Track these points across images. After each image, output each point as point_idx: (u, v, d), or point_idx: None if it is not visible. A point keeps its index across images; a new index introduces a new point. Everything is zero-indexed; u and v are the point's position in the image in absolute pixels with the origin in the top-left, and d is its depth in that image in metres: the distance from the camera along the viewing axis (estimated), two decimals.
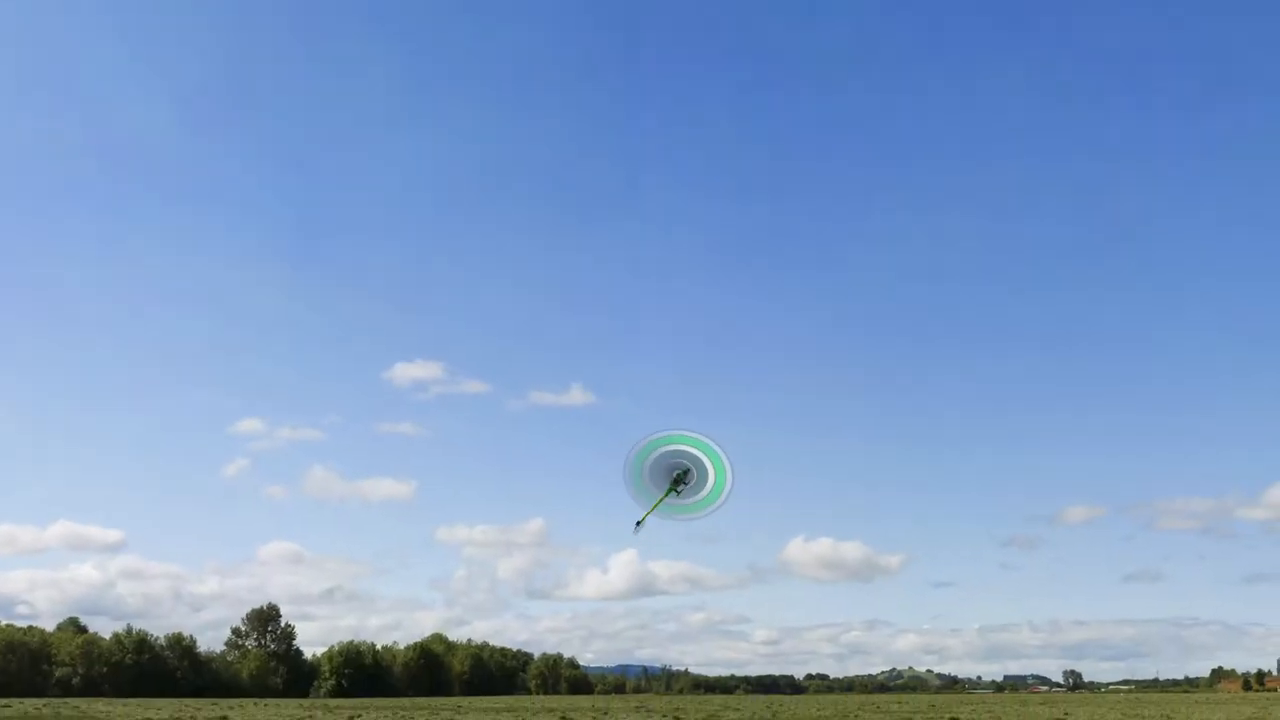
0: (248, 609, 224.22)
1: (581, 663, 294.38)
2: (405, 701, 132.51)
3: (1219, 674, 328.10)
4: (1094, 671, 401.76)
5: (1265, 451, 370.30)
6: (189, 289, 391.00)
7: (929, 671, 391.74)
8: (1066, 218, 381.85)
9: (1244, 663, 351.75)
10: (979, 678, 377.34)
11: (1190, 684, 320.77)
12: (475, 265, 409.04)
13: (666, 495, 14.78)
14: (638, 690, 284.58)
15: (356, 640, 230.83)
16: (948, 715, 66.33)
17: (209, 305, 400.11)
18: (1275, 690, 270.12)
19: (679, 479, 14.37)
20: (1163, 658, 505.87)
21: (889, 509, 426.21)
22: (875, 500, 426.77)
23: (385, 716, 66.35)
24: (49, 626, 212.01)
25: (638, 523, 15.17)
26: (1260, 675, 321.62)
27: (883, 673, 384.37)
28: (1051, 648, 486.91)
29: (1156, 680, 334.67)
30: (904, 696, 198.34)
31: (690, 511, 14.25)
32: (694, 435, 14.27)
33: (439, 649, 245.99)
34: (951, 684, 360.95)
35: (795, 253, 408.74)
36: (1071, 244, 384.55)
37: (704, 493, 13.83)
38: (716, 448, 14.23)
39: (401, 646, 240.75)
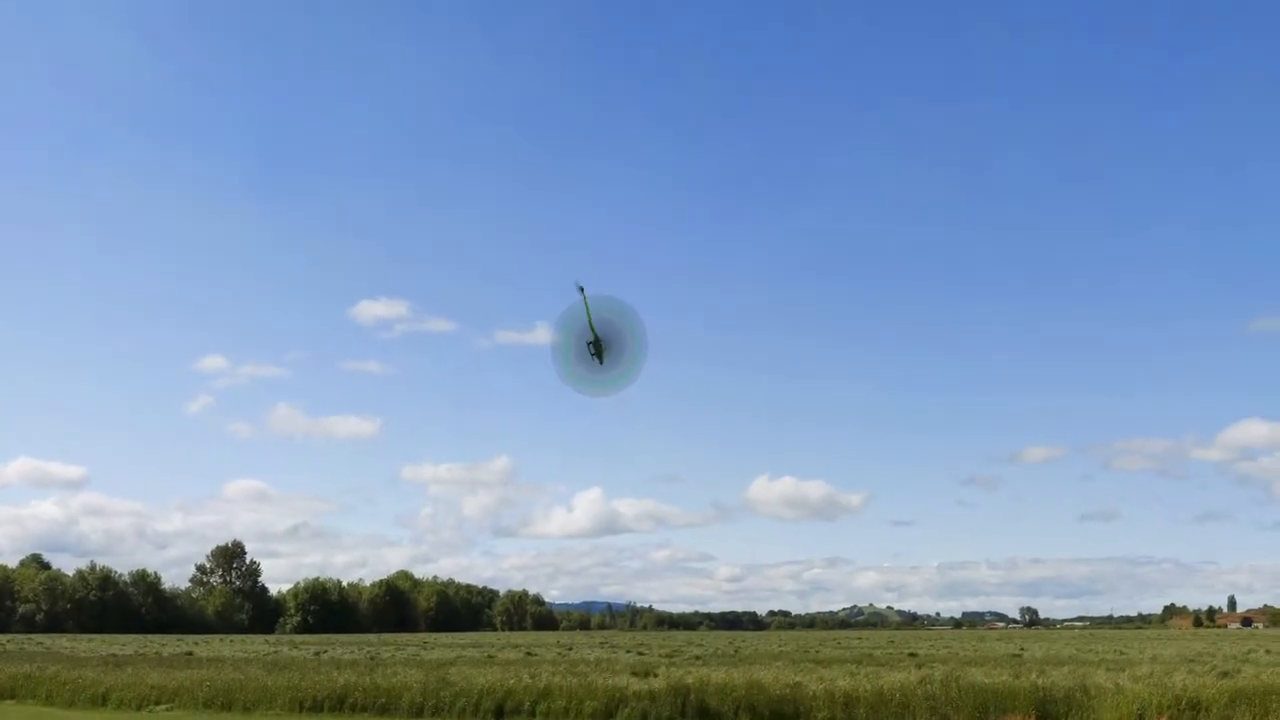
0: (212, 546, 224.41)
1: (547, 600, 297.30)
2: (371, 637, 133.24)
3: (1171, 611, 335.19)
4: (1050, 608, 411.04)
5: (1221, 394, 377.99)
6: (152, 223, 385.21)
7: (889, 608, 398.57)
8: (1034, 161, 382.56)
9: (1196, 600, 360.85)
10: (938, 614, 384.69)
11: (1144, 620, 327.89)
12: (443, 203, 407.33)
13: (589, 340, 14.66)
14: (602, 626, 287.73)
15: (322, 577, 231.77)
16: (907, 650, 67.43)
17: (172, 240, 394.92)
18: (1225, 627, 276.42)
19: (595, 352, 14.30)
20: (1117, 595, 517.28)
21: (852, 448, 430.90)
22: (838, 440, 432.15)
23: (352, 652, 66.74)
24: (11, 563, 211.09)
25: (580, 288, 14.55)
26: (1211, 612, 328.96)
27: (844, 609, 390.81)
28: (1009, 585, 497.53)
29: (1110, 617, 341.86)
30: (864, 632, 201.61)
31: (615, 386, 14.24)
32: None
33: (405, 586, 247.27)
34: (911, 620, 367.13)
35: (764, 191, 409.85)
36: (1037, 187, 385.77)
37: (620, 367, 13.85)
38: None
39: (368, 583, 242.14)
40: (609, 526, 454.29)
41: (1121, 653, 60.93)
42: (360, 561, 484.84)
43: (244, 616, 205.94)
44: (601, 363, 14.17)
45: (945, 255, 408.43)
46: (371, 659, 51.89)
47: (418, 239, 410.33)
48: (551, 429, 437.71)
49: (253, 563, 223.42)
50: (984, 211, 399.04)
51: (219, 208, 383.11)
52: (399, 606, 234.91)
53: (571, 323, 14.33)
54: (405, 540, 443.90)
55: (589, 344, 14.25)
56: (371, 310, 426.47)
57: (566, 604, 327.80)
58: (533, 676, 33.98)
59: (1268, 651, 62.82)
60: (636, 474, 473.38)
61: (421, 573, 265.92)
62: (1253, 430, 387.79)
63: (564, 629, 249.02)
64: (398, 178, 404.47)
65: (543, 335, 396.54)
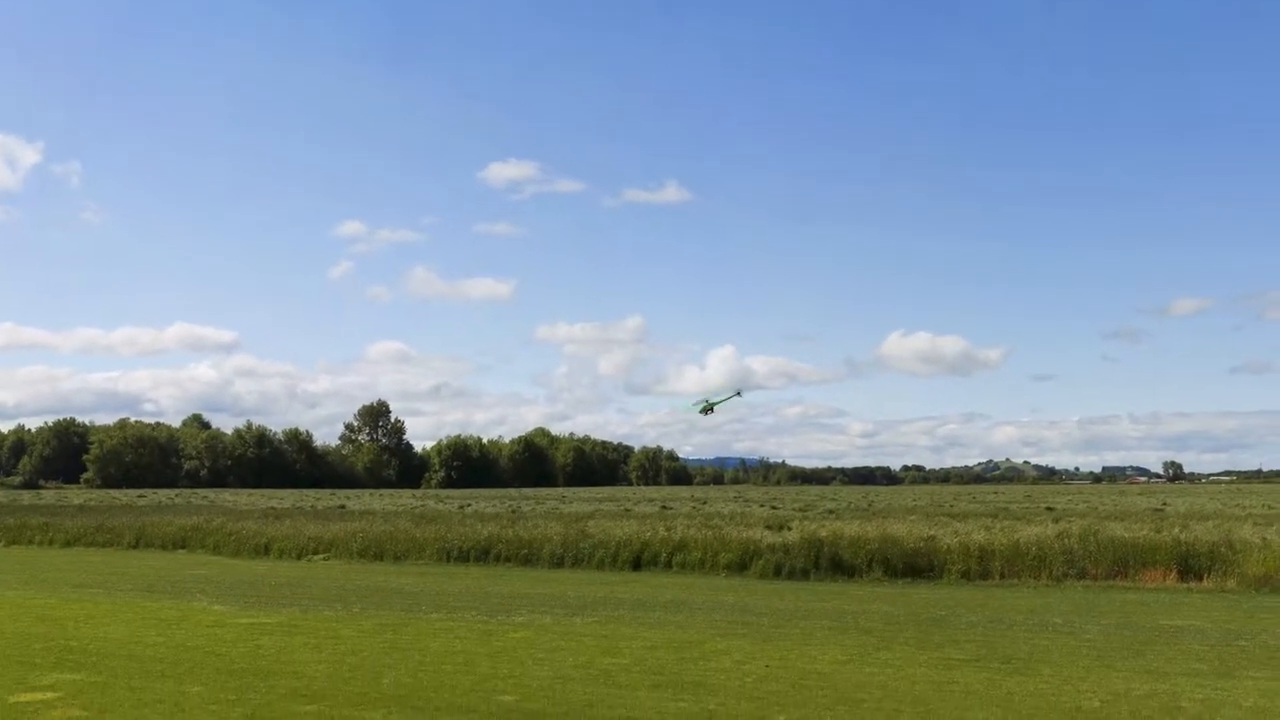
0: (359, 406, 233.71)
1: (681, 455, 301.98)
2: (512, 492, 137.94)
3: None
4: (1195, 463, 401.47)
5: None
6: (287, 92, 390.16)
7: (1026, 463, 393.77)
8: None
9: None
10: (1077, 469, 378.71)
11: None
12: (569, 63, 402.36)
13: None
14: (736, 481, 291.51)
15: (464, 435, 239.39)
16: (1044, 505, 66.84)
17: (307, 109, 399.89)
18: None
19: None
20: (1266, 449, 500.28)
21: (990, 303, 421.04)
22: (976, 294, 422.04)
23: (494, 505, 69.30)
24: (174, 423, 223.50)
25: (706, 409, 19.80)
26: None
27: (979, 464, 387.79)
28: (1152, 439, 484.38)
29: (1259, 471, 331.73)
30: (1000, 487, 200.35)
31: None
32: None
33: (542, 442, 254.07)
34: (1049, 475, 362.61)
35: (897, 44, 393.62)
36: (1185, 27, 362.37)
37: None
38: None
39: (507, 440, 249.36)
40: (742, 383, 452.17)
41: (1270, 507, 59.36)
42: (499, 419, 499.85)
43: (391, 472, 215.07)
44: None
45: (1088, 102, 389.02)
46: (513, 512, 53.78)
47: (544, 100, 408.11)
48: (683, 287, 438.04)
49: (397, 421, 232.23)
50: (1130, 54, 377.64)
51: (350, 75, 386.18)
52: (537, 462, 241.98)
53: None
54: (541, 399, 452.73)
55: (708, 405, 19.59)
56: (501, 172, 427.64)
57: (700, 459, 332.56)
58: (668, 529, 34.80)
59: None
60: (769, 331, 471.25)
61: (558, 430, 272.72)
62: None
63: (698, 484, 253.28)
64: (522, 39, 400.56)
65: (672, 193, 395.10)
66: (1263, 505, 63.61)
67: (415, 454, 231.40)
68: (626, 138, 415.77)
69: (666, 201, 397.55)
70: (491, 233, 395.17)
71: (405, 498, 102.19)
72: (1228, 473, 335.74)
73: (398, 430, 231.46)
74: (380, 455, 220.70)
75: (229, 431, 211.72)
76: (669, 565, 30.97)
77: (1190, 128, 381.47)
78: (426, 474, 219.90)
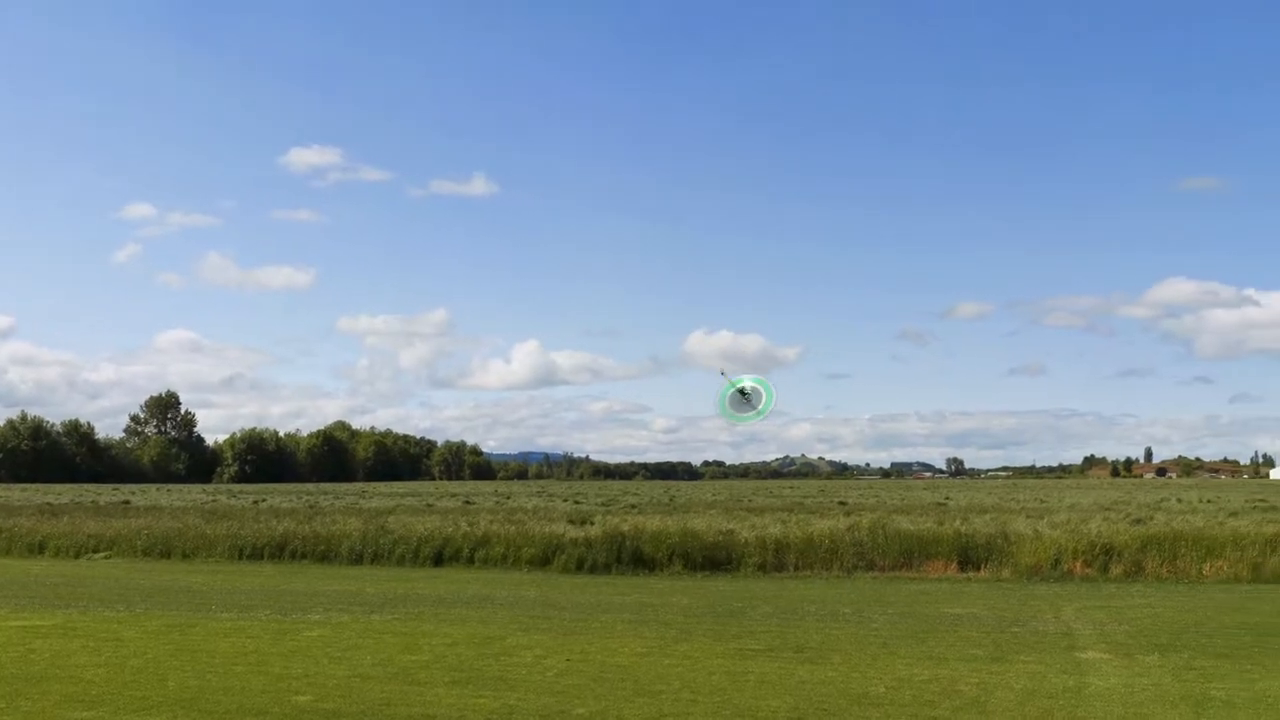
0: (146, 397, 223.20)
1: (484, 450, 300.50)
2: (310, 487, 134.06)
3: (1091, 461, 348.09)
4: (975, 459, 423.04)
5: (1149, 253, 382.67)
6: (72, 64, 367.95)
7: (821, 459, 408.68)
8: (976, 15, 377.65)
9: (1114, 451, 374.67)
10: (868, 464, 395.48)
11: (1064, 470, 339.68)
12: (377, 48, 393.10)
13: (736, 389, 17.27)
14: (539, 476, 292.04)
15: (259, 428, 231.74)
16: (836, 499, 69.37)
17: (92, 82, 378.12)
18: (1141, 476, 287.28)
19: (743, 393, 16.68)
20: (1040, 446, 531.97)
21: (788, 303, 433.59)
22: (775, 294, 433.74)
23: (290, 500, 67.24)
24: None
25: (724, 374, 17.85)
26: (1128, 462, 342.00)
27: (777, 459, 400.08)
28: (937, 436, 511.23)
29: (1033, 467, 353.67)
30: (796, 482, 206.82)
31: (747, 418, 16.26)
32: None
33: (342, 436, 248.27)
34: (842, 470, 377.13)
35: (706, 42, 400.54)
36: (978, 42, 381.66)
37: (760, 405, 16.07)
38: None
39: (305, 434, 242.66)
40: (546, 378, 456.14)
41: (1042, 501, 63.20)
42: (297, 412, 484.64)
43: (180, 466, 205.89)
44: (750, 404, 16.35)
45: (884, 110, 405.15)
46: (310, 508, 52.34)
47: (350, 86, 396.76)
48: (489, 281, 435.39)
49: (188, 413, 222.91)
50: (925, 67, 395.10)
51: (142, 49, 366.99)
52: (337, 457, 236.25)
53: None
54: (342, 391, 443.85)
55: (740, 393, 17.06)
56: (304, 158, 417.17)
57: (504, 454, 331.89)
58: (471, 525, 34.54)
59: (1179, 500, 65.54)
60: (574, 327, 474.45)
61: (359, 423, 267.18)
62: (1178, 288, 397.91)
63: (501, 479, 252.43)
64: (330, 18, 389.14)
65: (480, 185, 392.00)
66: (1035, 499, 67.68)
67: (207, 448, 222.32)
68: (435, 128, 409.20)
69: (474, 194, 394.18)
70: (292, 220, 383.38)
71: (195, 493, 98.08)
72: (1004, 468, 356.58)
73: (188, 423, 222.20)
74: (169, 449, 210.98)
75: (1, 422, 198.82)
76: (471, 561, 30.75)
77: (977, 139, 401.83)
78: (219, 468, 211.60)
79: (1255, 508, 49.27)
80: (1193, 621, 18.41)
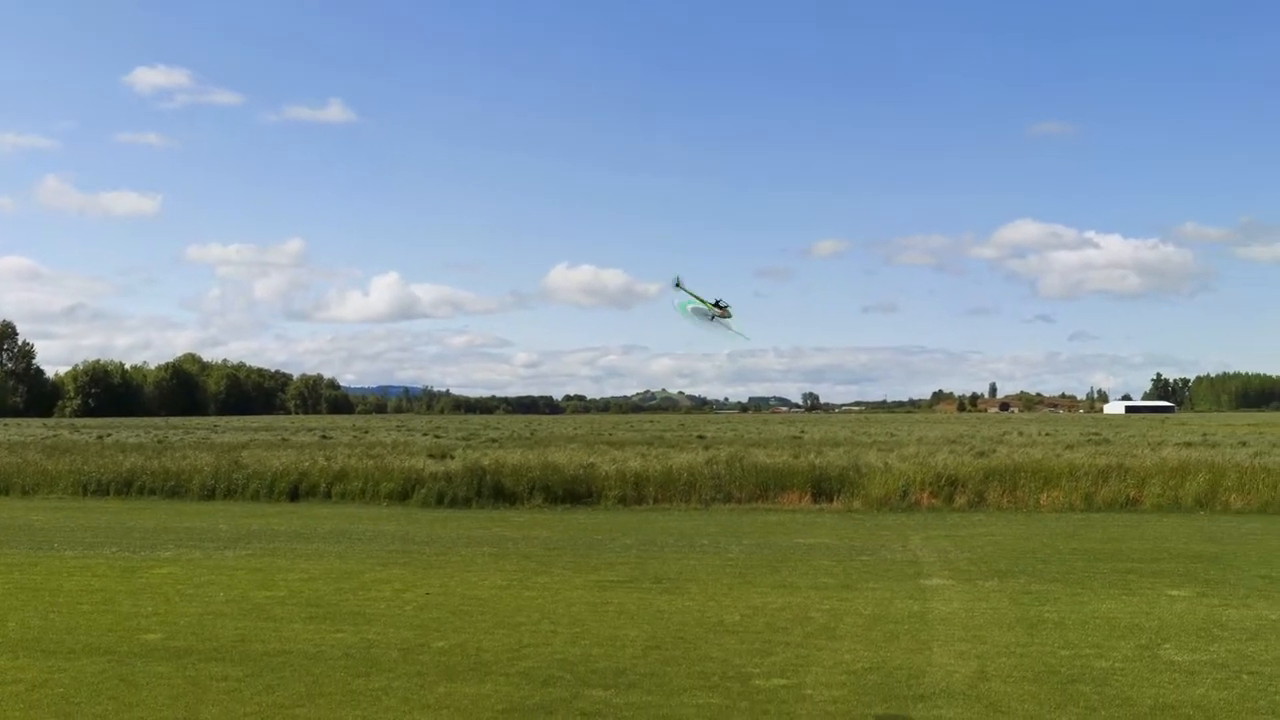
0: None
1: (342, 384, 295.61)
2: (159, 421, 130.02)
3: (939, 396, 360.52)
4: (830, 394, 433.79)
5: (999, 195, 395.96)
6: None
7: (680, 393, 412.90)
8: None
9: (961, 386, 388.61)
10: (726, 399, 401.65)
11: (914, 405, 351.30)
12: None
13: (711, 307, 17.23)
14: (399, 410, 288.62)
15: (103, 360, 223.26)
16: (696, 433, 70.41)
17: None
18: (985, 411, 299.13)
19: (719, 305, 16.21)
20: (891, 382, 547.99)
21: (650, 238, 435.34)
22: (637, 230, 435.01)
23: (138, 435, 65.11)
24: None
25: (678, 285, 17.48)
26: (974, 398, 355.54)
27: (637, 394, 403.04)
28: (794, 372, 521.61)
29: (884, 402, 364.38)
30: (656, 416, 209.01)
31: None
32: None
33: (193, 369, 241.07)
34: (701, 405, 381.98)
35: None
36: None
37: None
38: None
39: (152, 366, 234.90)
40: (406, 311, 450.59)
41: (892, 435, 65.25)
42: (143, 344, 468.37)
43: (18, 400, 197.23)
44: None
45: (749, 49, 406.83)
46: (159, 443, 50.81)
47: (200, 2, 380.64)
48: (347, 211, 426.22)
49: (26, 344, 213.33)
50: (791, 7, 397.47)
51: None
52: (187, 390, 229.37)
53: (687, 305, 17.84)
54: (192, 323, 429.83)
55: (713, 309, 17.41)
56: (149, 78, 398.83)
57: (362, 388, 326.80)
58: (328, 459, 34.03)
59: (1020, 433, 68.46)
60: (435, 260, 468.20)
61: (210, 356, 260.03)
62: (1024, 230, 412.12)
63: (360, 413, 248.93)
64: None
65: (336, 112, 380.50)
66: (885, 433, 69.84)
67: (47, 380, 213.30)
68: (289, 50, 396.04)
69: (330, 120, 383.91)
70: (137, 143, 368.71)
71: (35, 427, 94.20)
72: (858, 403, 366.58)
73: (26, 354, 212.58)
74: (5, 381, 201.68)
75: None
76: (329, 496, 30.34)
77: (837, 80, 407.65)
78: (60, 402, 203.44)
79: (1090, 441, 51.77)
80: (1030, 548, 19.33)
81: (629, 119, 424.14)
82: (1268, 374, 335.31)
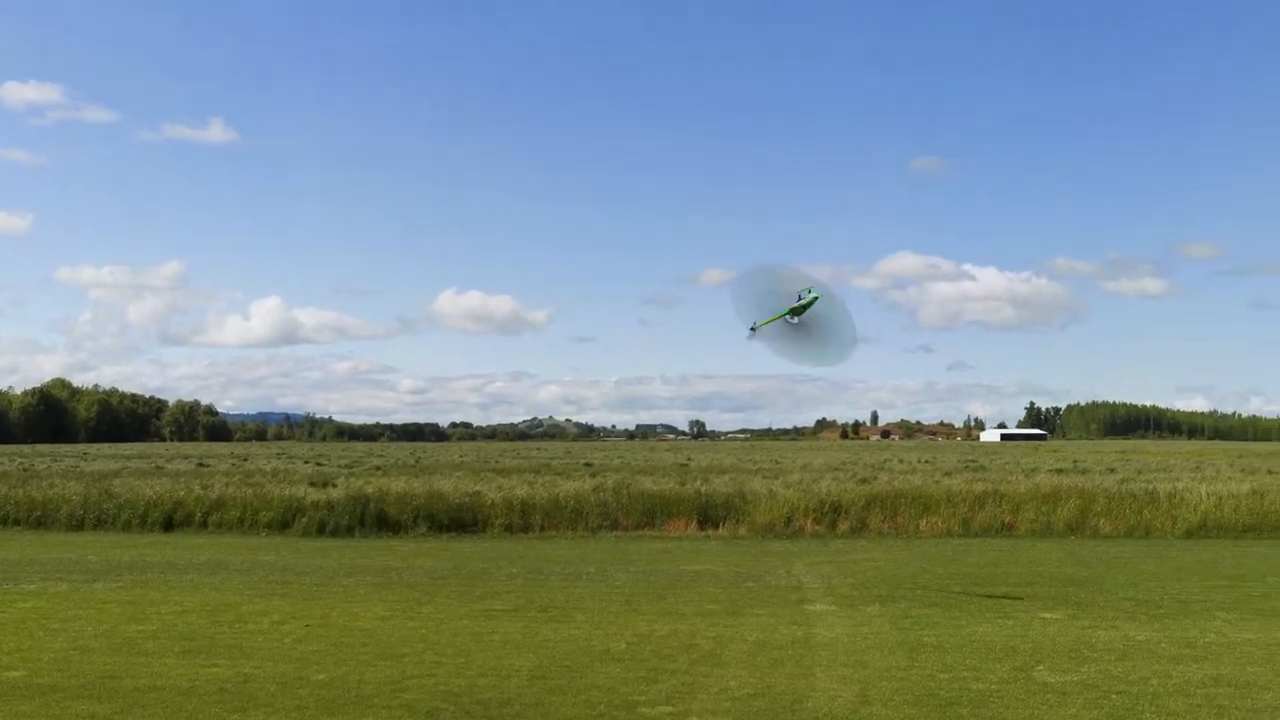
0: None
1: (220, 410, 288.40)
2: (25, 448, 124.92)
3: (822, 424, 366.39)
4: (716, 421, 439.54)
5: (880, 227, 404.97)
6: None
7: (568, 420, 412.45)
8: None
9: (844, 414, 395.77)
10: (614, 426, 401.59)
11: (798, 432, 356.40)
12: None
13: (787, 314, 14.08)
14: (279, 438, 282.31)
15: None
16: (583, 460, 70.30)
17: None
18: (867, 439, 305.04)
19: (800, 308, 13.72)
20: (776, 409, 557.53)
21: (539, 265, 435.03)
22: (526, 257, 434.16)
23: (2, 464, 62.46)
24: None
25: (753, 328, 14.37)
26: (856, 425, 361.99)
27: (524, 421, 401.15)
28: (681, 399, 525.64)
29: (770, 429, 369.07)
30: (543, 443, 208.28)
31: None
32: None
33: (61, 394, 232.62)
34: (588, 432, 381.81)
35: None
36: (726, 14, 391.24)
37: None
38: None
39: (18, 391, 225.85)
40: (288, 336, 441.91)
41: (776, 462, 66.02)
42: (9, 368, 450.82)
43: None
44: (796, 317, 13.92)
45: (637, 79, 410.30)
46: (25, 470, 48.86)
47: (72, 17, 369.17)
48: (227, 234, 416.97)
49: None
50: (677, 39, 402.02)
51: None
52: (55, 416, 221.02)
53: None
54: (61, 347, 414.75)
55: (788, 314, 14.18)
56: (20, 94, 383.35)
57: (241, 415, 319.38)
58: (204, 487, 33.09)
59: (900, 461, 69.92)
60: (319, 284, 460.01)
61: (80, 381, 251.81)
62: (905, 262, 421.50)
63: (238, 440, 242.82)
64: None
65: (218, 132, 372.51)
66: (771, 460, 70.63)
67: None
68: (168, 68, 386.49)
69: (211, 140, 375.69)
70: (5, 160, 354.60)
71: None
72: (744, 430, 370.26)
73: None
74: None
75: None
76: (205, 525, 29.47)
77: (725, 110, 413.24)
78: None
79: (967, 468, 53.14)
80: (910, 573, 19.71)
81: (517, 145, 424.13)
82: (1133, 403, 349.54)
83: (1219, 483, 34.69)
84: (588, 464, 62.23)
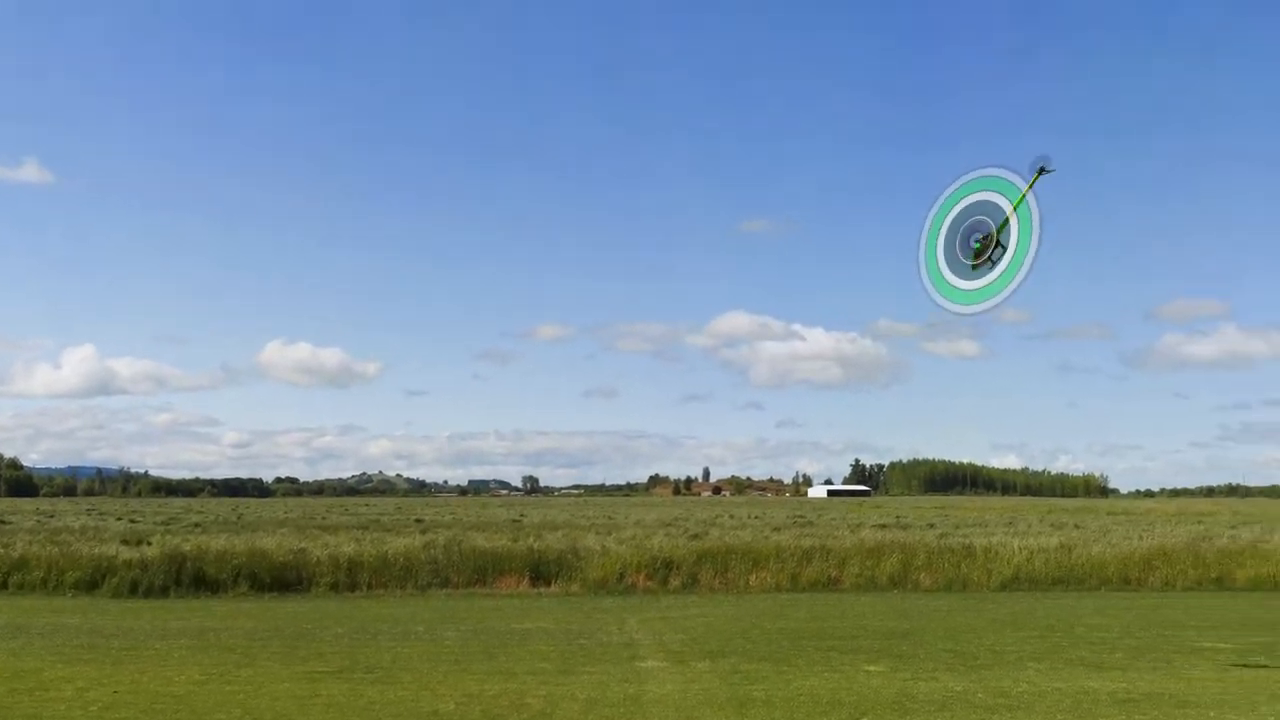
0: None
1: (25, 464, 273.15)
2: None
3: (655, 480, 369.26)
4: (550, 477, 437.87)
5: (713, 287, 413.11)
6: None
7: (399, 476, 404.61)
8: (563, 49, 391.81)
9: (677, 470, 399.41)
10: (446, 482, 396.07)
11: (631, 489, 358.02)
12: None
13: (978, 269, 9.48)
14: (90, 493, 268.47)
15: None
16: (413, 517, 69.02)
17: None
18: (699, 494, 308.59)
19: (981, 250, 9.39)
20: (610, 465, 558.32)
21: (370, 316, 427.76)
22: (357, 307, 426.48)
23: None
24: None
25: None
26: (688, 481, 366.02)
27: (353, 476, 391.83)
28: (515, 455, 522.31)
29: (603, 485, 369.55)
30: (373, 499, 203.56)
31: (985, 298, 9.34)
32: (1002, 175, 9.41)
33: None
34: (420, 488, 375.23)
35: (289, 42, 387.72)
36: (561, 74, 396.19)
37: (1001, 267, 9.15)
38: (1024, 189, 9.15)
39: None
40: (103, 386, 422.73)
41: (610, 518, 66.14)
42: None
43: None
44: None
45: (469, 130, 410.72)
46: None
47: None
48: (37, 278, 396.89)
49: None
50: (513, 92, 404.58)
51: None
52: None
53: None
54: None
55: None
56: None
57: (49, 469, 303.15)
58: (5, 546, 31.16)
59: (731, 516, 70.94)
60: (137, 331, 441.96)
61: None
62: (736, 321, 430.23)
63: (45, 495, 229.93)
64: None
65: (31, 172, 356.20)
66: (604, 516, 70.74)
67: None
68: None
69: (24, 180, 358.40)
70: None
71: None
72: (577, 486, 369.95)
73: None
74: None
75: None
76: (4, 586, 27.68)
77: (564, 166, 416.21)
78: None
79: (795, 523, 54.24)
80: (740, 629, 19.92)
81: (347, 191, 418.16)
82: (952, 460, 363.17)
83: (1030, 537, 36.33)
84: (418, 520, 61.14)
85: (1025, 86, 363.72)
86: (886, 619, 21.72)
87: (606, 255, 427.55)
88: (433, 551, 30.07)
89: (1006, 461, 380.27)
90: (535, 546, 31.32)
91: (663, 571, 29.05)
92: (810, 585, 28.59)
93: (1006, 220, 9.28)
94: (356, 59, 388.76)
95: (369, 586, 28.22)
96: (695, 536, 37.08)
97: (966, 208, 9.64)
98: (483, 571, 28.97)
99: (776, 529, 44.96)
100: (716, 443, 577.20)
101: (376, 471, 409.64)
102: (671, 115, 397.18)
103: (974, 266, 9.53)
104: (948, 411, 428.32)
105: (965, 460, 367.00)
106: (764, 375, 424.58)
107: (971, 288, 9.53)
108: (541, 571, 29.14)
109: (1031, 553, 30.78)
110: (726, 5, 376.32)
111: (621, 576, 28.55)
